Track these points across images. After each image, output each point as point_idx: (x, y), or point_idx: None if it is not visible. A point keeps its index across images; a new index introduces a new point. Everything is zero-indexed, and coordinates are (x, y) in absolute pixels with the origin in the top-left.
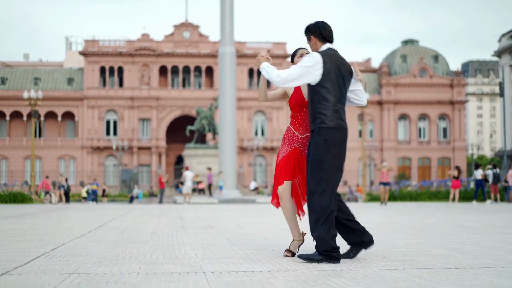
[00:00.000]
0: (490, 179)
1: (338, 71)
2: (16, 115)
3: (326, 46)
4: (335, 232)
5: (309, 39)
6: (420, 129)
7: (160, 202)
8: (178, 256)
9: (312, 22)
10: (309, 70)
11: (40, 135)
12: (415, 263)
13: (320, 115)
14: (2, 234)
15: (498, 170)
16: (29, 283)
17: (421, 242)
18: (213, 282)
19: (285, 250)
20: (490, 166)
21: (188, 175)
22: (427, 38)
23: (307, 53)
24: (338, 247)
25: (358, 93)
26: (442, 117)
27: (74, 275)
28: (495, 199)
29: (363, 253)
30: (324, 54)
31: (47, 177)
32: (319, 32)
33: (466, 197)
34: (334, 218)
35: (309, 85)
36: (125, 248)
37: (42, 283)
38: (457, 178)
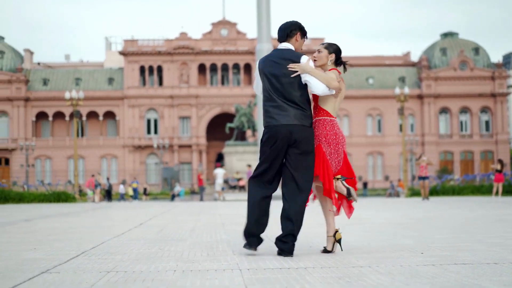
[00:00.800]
0: None
1: (264, 72)
2: (59, 115)
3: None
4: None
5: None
6: (461, 123)
7: (201, 199)
8: (215, 254)
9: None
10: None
11: (82, 135)
12: (453, 258)
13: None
14: (44, 232)
15: None
16: (67, 281)
17: (461, 237)
18: (248, 279)
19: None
20: None
21: (218, 173)
22: (467, 30)
23: (319, 49)
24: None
25: (308, 84)
26: (484, 110)
27: (112, 273)
28: None
29: (401, 248)
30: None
31: (92, 175)
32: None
33: (510, 190)
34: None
35: None
36: (164, 246)
37: (80, 281)
38: (500, 171)
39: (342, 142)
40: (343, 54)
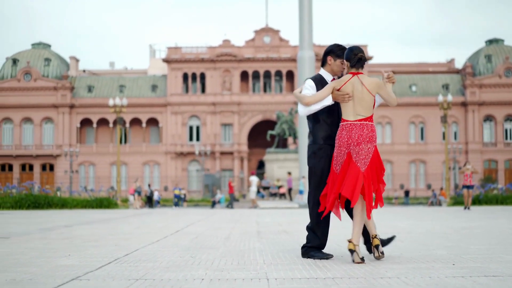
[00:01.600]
0: None
1: None
2: (103, 122)
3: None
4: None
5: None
6: (506, 131)
7: (229, 206)
8: (245, 262)
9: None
10: None
11: (125, 141)
12: (484, 270)
13: None
14: (81, 239)
15: None
16: None
17: (496, 248)
18: None
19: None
20: None
21: (253, 180)
22: None
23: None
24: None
25: None
26: None
27: (140, 281)
28: None
29: (433, 259)
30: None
31: (136, 181)
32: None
33: None
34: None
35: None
36: (196, 254)
37: None
38: None
39: (346, 144)
40: (388, 61)
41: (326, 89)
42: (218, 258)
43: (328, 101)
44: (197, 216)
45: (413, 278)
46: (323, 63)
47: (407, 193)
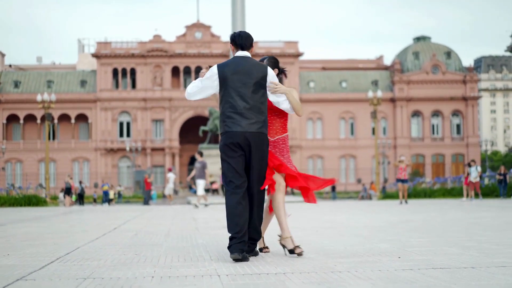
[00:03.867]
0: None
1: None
2: (30, 118)
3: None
4: None
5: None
6: (433, 126)
7: (146, 203)
8: (192, 259)
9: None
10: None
11: (54, 138)
12: (431, 262)
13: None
14: (17, 238)
15: (479, 167)
16: None
17: (436, 240)
18: (227, 285)
19: (296, 247)
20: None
21: (170, 177)
22: (439, 34)
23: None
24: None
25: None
26: (455, 113)
27: (89, 280)
28: (476, 196)
29: (378, 252)
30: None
31: (71, 178)
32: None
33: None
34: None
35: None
36: (139, 251)
37: None
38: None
39: None
40: (318, 57)
41: None
42: (163, 255)
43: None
44: (131, 213)
45: (363, 272)
46: (251, 46)
47: (333, 188)
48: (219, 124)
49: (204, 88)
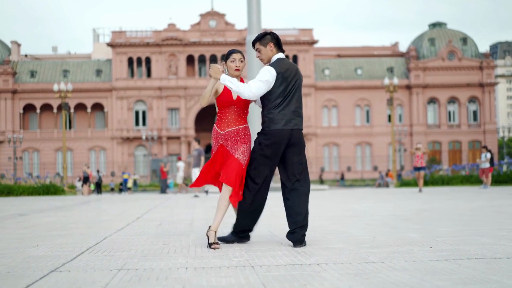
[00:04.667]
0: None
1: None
2: (47, 107)
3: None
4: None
5: (265, 46)
6: (449, 113)
7: (163, 192)
8: (222, 249)
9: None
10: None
11: (70, 127)
12: (464, 252)
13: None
14: (42, 228)
15: (488, 154)
16: (80, 280)
17: (464, 229)
18: (263, 276)
19: (214, 243)
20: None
21: (180, 166)
22: (455, 20)
23: (241, 59)
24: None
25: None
26: (472, 100)
27: (123, 271)
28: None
29: (408, 242)
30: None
31: (88, 167)
32: (276, 40)
33: (498, 180)
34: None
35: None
36: (168, 241)
37: (93, 280)
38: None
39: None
40: (333, 44)
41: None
42: (192, 245)
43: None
44: (150, 202)
45: (397, 262)
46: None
47: (342, 176)
48: (267, 119)
49: (266, 89)
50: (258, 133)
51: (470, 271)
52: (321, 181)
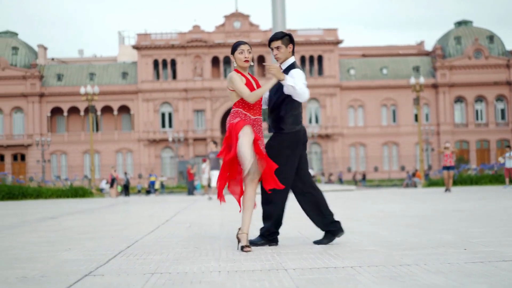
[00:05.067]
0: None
1: None
2: (74, 110)
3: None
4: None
5: (286, 45)
6: (477, 111)
7: (190, 193)
8: (254, 252)
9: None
10: None
11: (97, 130)
12: (500, 255)
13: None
14: (73, 231)
15: None
16: (114, 285)
17: (498, 231)
18: (297, 279)
19: (246, 246)
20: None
21: (206, 167)
22: (481, 18)
23: (249, 49)
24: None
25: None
26: (500, 98)
27: (156, 275)
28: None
29: (441, 244)
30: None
31: (114, 170)
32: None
33: None
34: None
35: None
36: (199, 244)
37: (128, 284)
38: None
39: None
40: (358, 44)
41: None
42: (224, 248)
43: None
44: (178, 204)
45: (432, 265)
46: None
47: (364, 176)
48: (291, 120)
49: None
50: (282, 133)
51: (507, 273)
52: (341, 182)
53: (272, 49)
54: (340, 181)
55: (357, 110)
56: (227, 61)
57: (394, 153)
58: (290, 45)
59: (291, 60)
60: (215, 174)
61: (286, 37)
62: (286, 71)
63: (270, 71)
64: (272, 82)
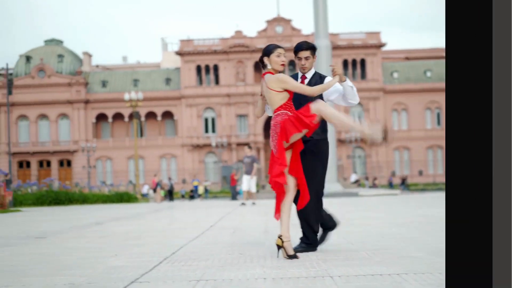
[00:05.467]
0: None
1: None
2: (118, 116)
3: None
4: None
5: (313, 56)
6: None
7: (233, 198)
8: (299, 259)
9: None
10: None
11: (141, 135)
12: None
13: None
14: (120, 237)
15: None
16: None
17: None
18: (343, 287)
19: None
20: None
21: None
22: None
23: (285, 53)
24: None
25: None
26: None
27: (202, 281)
28: None
29: None
30: None
31: (155, 175)
32: None
33: None
34: None
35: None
36: (243, 251)
37: None
38: None
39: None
40: (401, 47)
41: None
42: (268, 254)
43: None
44: (222, 209)
45: None
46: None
47: (403, 180)
48: (323, 128)
49: None
50: (326, 140)
51: None
52: (391, 186)
53: (300, 58)
54: (390, 185)
55: (400, 113)
56: None
57: (439, 157)
58: (315, 56)
59: (313, 70)
60: (248, 178)
61: (315, 48)
62: (313, 79)
63: (336, 71)
64: (334, 80)
